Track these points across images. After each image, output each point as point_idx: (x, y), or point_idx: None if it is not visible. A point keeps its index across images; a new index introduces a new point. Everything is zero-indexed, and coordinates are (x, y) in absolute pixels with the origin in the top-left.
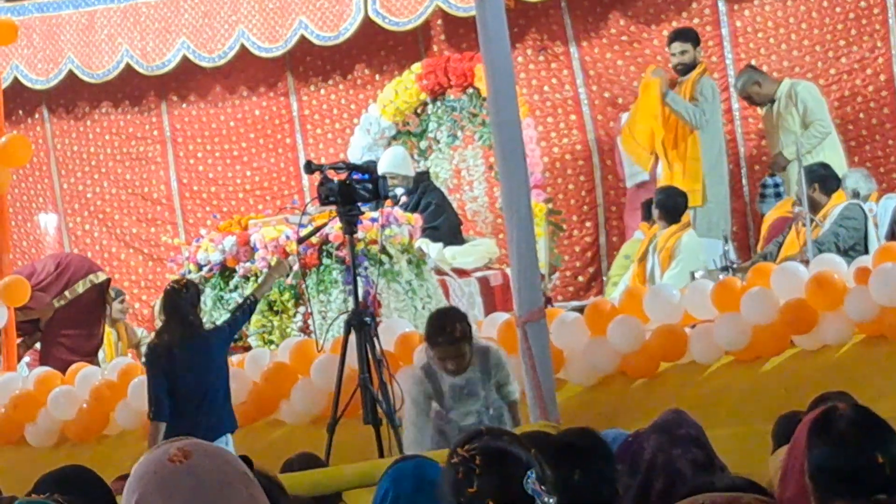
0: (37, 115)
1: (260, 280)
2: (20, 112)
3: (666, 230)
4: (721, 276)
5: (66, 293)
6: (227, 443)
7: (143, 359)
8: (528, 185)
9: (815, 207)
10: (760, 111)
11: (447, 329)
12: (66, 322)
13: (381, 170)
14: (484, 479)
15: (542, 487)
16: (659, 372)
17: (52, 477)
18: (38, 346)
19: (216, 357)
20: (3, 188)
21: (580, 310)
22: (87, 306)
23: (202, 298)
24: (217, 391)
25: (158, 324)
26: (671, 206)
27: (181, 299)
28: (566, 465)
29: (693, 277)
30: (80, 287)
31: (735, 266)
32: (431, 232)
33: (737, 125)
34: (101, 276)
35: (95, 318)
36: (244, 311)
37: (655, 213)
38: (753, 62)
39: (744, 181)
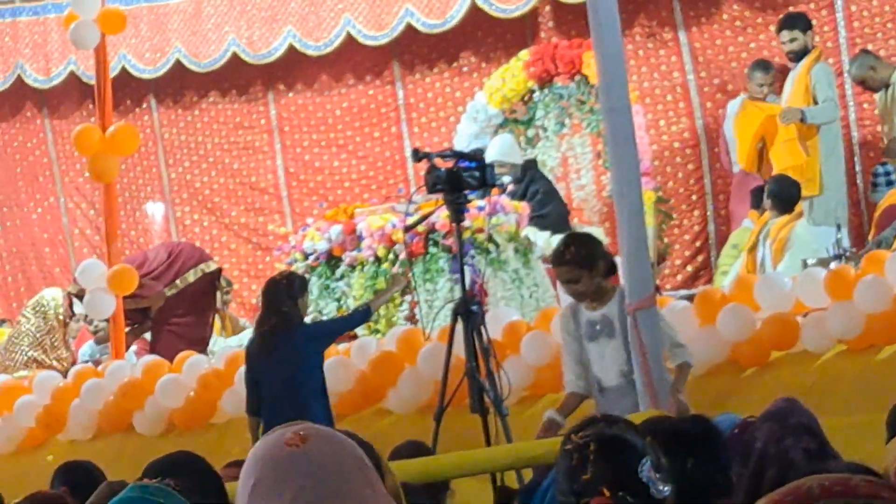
0: (144, 105)
1: (379, 292)
2: (128, 101)
3: (778, 220)
4: (834, 264)
5: (178, 282)
6: None
7: None
8: (638, 172)
9: None
10: (875, 96)
11: (560, 249)
12: (176, 310)
13: (489, 158)
14: (598, 466)
15: (657, 476)
16: (770, 361)
17: (161, 463)
18: (147, 335)
19: (306, 352)
20: (112, 177)
21: (689, 298)
22: (197, 295)
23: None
24: (303, 385)
25: None
26: (785, 196)
27: (278, 290)
28: (679, 453)
29: (805, 265)
30: (191, 276)
31: (848, 254)
32: (538, 220)
33: (850, 111)
34: (212, 266)
35: (206, 307)
36: (353, 317)
37: (767, 202)
38: (869, 47)
39: (857, 168)
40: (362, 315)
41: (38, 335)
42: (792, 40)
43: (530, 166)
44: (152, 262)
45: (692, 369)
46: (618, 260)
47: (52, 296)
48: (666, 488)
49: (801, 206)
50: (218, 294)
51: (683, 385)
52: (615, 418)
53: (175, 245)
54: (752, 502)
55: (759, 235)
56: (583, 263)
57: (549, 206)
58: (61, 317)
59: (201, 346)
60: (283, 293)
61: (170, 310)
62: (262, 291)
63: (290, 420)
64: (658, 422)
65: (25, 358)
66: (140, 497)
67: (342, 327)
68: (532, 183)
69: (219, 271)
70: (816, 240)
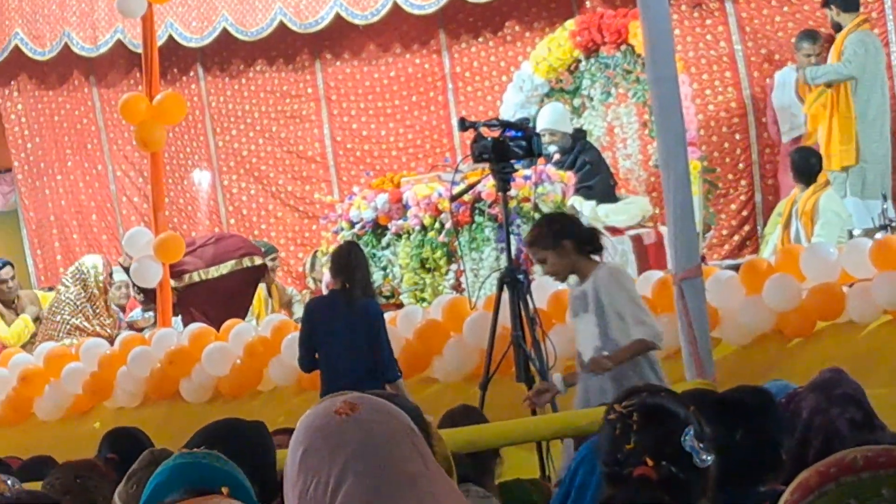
0: (192, 73)
1: None
2: (175, 70)
3: (804, 193)
4: (880, 235)
5: (212, 270)
6: None
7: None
8: (684, 141)
9: None
10: None
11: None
12: (207, 298)
13: (540, 126)
14: (641, 435)
15: (701, 445)
16: (815, 331)
17: (212, 429)
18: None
19: (375, 320)
20: (159, 146)
21: (735, 268)
22: (233, 288)
23: None
24: (361, 351)
25: (309, 281)
26: (803, 167)
27: (354, 255)
28: (729, 423)
29: (851, 236)
30: (228, 267)
31: (894, 224)
32: (585, 191)
33: None
34: (257, 261)
35: (240, 302)
36: (391, 361)
37: (791, 175)
38: None
39: None
40: (394, 370)
41: (78, 303)
42: (826, 15)
43: (580, 136)
44: (197, 241)
45: (737, 338)
46: (663, 230)
47: (93, 263)
48: (709, 457)
49: (828, 176)
50: (261, 289)
51: (625, 356)
52: (658, 388)
53: (227, 233)
54: (798, 473)
55: (791, 210)
56: (546, 244)
57: (596, 178)
58: (101, 283)
59: None
60: (360, 259)
61: (200, 295)
62: (343, 254)
63: (360, 381)
64: (710, 391)
65: (68, 326)
66: (192, 462)
67: (381, 339)
68: (582, 153)
69: (263, 268)
70: (844, 209)
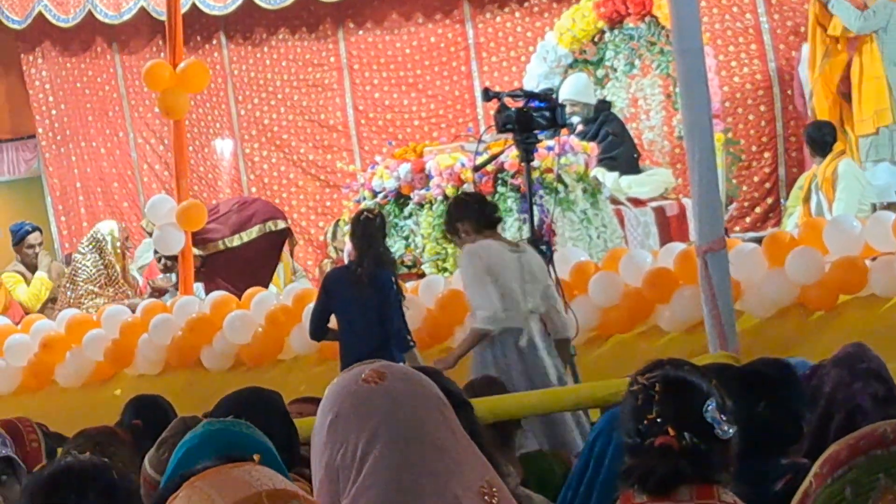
0: (214, 42)
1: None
2: (198, 38)
3: (823, 163)
4: None
5: (242, 234)
6: None
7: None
8: (710, 114)
9: None
10: None
11: None
12: (232, 264)
13: (562, 96)
14: (663, 406)
15: (722, 416)
16: (838, 304)
17: (232, 399)
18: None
19: (391, 293)
20: (182, 113)
21: (758, 241)
22: (258, 253)
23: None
24: (373, 322)
25: (331, 250)
26: (817, 138)
27: (374, 227)
28: (751, 396)
29: (875, 209)
30: (256, 232)
31: None
32: (608, 162)
33: None
34: (280, 224)
35: (265, 266)
36: (402, 329)
37: (808, 149)
38: None
39: None
40: (405, 341)
41: (94, 270)
42: None
43: (603, 107)
44: (220, 208)
45: (759, 311)
46: (686, 202)
47: (110, 229)
48: (730, 429)
49: (845, 144)
50: (284, 256)
51: (461, 351)
52: (681, 361)
53: (249, 197)
54: (820, 446)
55: (811, 185)
56: (448, 230)
57: (619, 149)
58: (119, 250)
59: None
60: (379, 230)
61: (226, 263)
62: (356, 226)
63: (373, 352)
64: (731, 364)
65: (83, 292)
66: (223, 429)
67: (394, 313)
68: (605, 124)
69: (287, 231)
70: (863, 176)
